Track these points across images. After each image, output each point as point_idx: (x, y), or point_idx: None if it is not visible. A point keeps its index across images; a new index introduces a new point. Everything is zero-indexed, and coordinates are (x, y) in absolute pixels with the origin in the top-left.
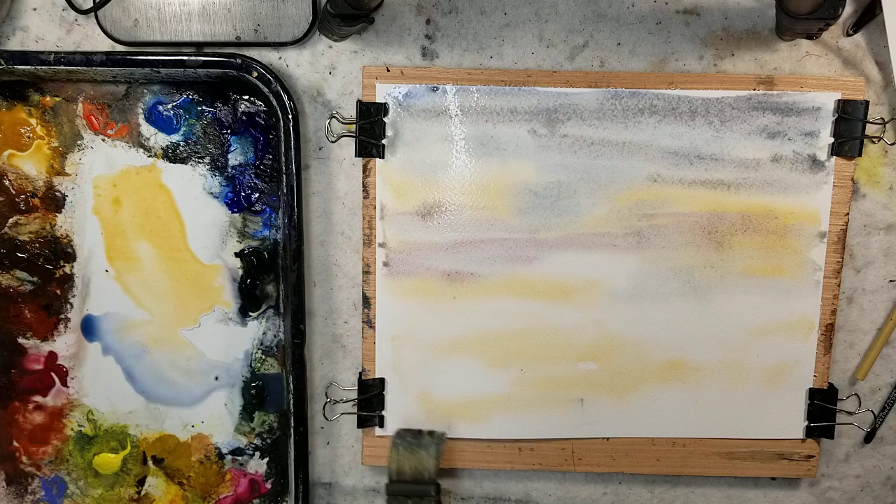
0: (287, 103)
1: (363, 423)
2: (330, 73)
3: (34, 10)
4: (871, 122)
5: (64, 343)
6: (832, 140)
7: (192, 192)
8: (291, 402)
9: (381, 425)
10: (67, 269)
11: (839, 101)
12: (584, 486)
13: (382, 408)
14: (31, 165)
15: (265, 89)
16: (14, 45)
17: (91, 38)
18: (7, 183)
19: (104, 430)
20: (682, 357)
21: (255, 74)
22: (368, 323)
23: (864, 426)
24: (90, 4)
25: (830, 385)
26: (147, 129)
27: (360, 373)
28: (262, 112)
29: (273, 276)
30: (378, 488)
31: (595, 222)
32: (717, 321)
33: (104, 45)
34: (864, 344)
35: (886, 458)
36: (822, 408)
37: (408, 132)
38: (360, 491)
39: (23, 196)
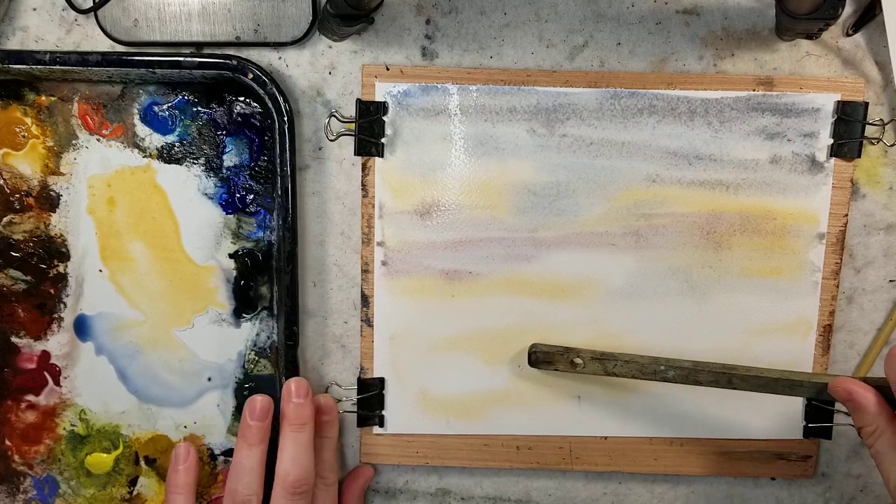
0: (283, 105)
1: (363, 422)
2: (330, 73)
3: (34, 10)
4: (871, 124)
5: (57, 342)
6: (831, 141)
7: (187, 192)
8: None
9: (381, 424)
10: (61, 269)
11: (839, 102)
12: (583, 486)
13: (382, 407)
14: (25, 164)
15: (261, 91)
16: (14, 45)
17: (91, 39)
18: (1, 182)
19: (96, 430)
20: (681, 357)
21: (250, 76)
22: (367, 322)
23: None
24: (90, 4)
25: None
26: (142, 130)
27: (360, 371)
28: (258, 114)
29: (267, 278)
30: (377, 488)
31: (593, 222)
32: (715, 321)
33: (104, 45)
34: (864, 344)
35: None
36: (820, 408)
37: (407, 131)
38: None
39: (17, 195)
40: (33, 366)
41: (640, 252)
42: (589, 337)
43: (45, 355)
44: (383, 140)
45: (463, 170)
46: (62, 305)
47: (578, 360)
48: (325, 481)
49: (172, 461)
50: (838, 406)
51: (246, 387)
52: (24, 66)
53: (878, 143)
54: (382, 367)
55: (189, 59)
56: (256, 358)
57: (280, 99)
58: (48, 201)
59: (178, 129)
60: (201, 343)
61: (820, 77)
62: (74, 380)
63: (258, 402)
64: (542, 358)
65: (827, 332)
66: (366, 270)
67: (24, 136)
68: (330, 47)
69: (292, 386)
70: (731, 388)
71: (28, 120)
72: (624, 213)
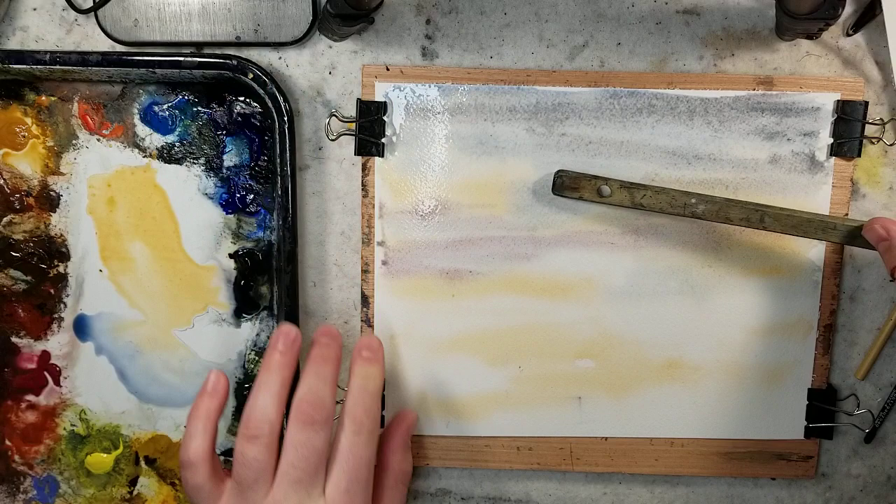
0: (283, 105)
1: None
2: (330, 73)
3: (34, 10)
4: (871, 123)
5: (57, 342)
6: (831, 140)
7: (187, 192)
8: None
9: (382, 425)
10: (61, 269)
11: (838, 101)
12: (583, 486)
13: (382, 407)
14: (25, 164)
15: (261, 91)
16: (14, 45)
17: (91, 38)
18: (1, 182)
19: (97, 430)
20: (680, 357)
21: (250, 76)
22: (367, 322)
23: (864, 426)
24: (90, 4)
25: (829, 385)
26: (142, 130)
27: None
28: (258, 114)
29: (267, 278)
30: None
31: (593, 221)
32: (715, 321)
33: (104, 45)
34: (865, 343)
35: (887, 458)
36: (821, 408)
37: (407, 131)
38: None
39: (17, 195)
40: (33, 366)
41: (640, 251)
42: (589, 336)
43: (45, 355)
44: (383, 140)
45: (463, 169)
46: (62, 305)
47: (606, 188)
48: (356, 428)
49: (201, 388)
50: (841, 405)
51: (246, 387)
52: (24, 66)
53: (877, 142)
54: None
55: (189, 59)
56: (256, 358)
57: (280, 99)
58: (48, 201)
59: (179, 129)
60: (201, 343)
61: (820, 77)
62: (74, 380)
63: (286, 328)
64: (567, 184)
65: (828, 332)
66: (366, 270)
67: (24, 136)
68: (330, 47)
69: (321, 329)
70: (763, 227)
71: (28, 120)
72: (623, 211)
